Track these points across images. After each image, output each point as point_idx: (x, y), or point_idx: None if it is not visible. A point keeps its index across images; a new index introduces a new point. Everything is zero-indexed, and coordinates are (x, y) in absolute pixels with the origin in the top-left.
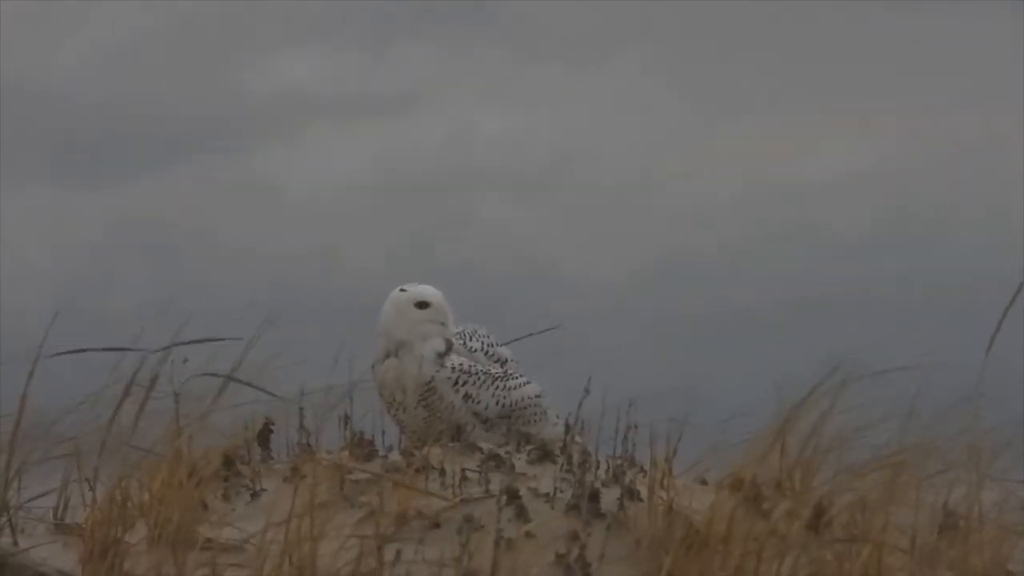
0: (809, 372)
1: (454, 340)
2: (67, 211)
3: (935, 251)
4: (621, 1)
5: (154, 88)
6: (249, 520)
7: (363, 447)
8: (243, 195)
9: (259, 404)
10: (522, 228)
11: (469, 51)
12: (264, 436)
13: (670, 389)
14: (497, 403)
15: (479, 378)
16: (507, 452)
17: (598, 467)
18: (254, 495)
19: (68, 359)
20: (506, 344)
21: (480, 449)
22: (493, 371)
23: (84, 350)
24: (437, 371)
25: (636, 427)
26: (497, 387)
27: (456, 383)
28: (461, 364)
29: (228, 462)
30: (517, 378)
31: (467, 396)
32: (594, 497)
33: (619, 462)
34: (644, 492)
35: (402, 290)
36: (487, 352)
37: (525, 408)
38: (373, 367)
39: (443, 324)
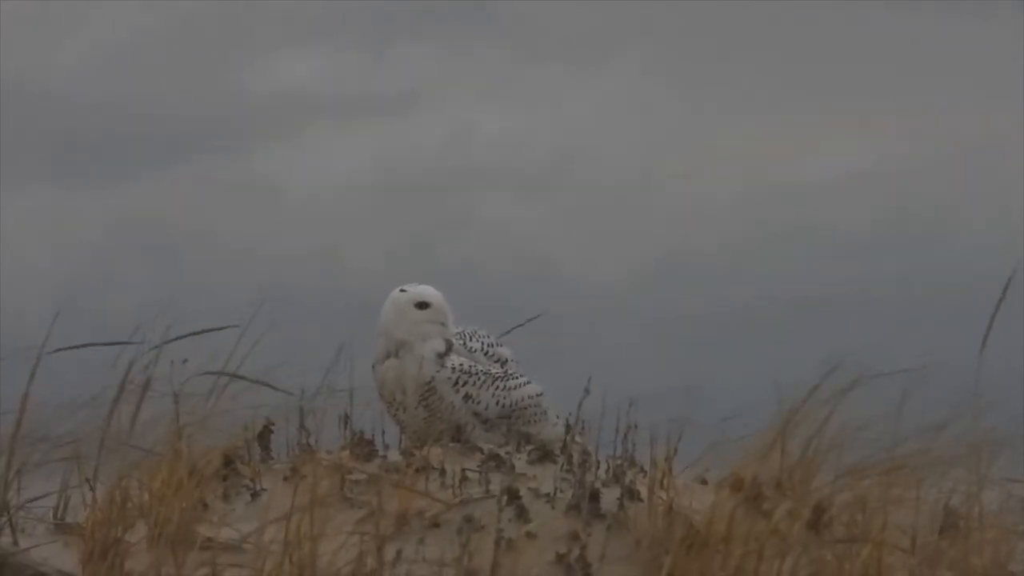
0: (809, 372)
1: (454, 340)
2: (67, 211)
3: (935, 251)
4: (621, 1)
5: (154, 88)
6: (249, 520)
7: (363, 447)
8: (243, 195)
9: (259, 404)
10: (522, 228)
11: (469, 51)
12: (264, 436)
13: (670, 389)
14: (497, 403)
15: (479, 378)
16: (507, 452)
17: (598, 467)
18: (254, 495)
19: (69, 360)
20: (498, 338)
21: (480, 449)
22: (493, 371)
23: (85, 345)
24: (437, 371)
25: (636, 427)
26: (497, 387)
27: (456, 383)
28: (461, 364)
29: (228, 462)
30: (517, 378)
31: (467, 396)
32: (594, 497)
33: (619, 462)
34: (644, 492)
35: (402, 290)
36: (487, 352)
37: (525, 408)
38: (373, 367)
39: (443, 324)
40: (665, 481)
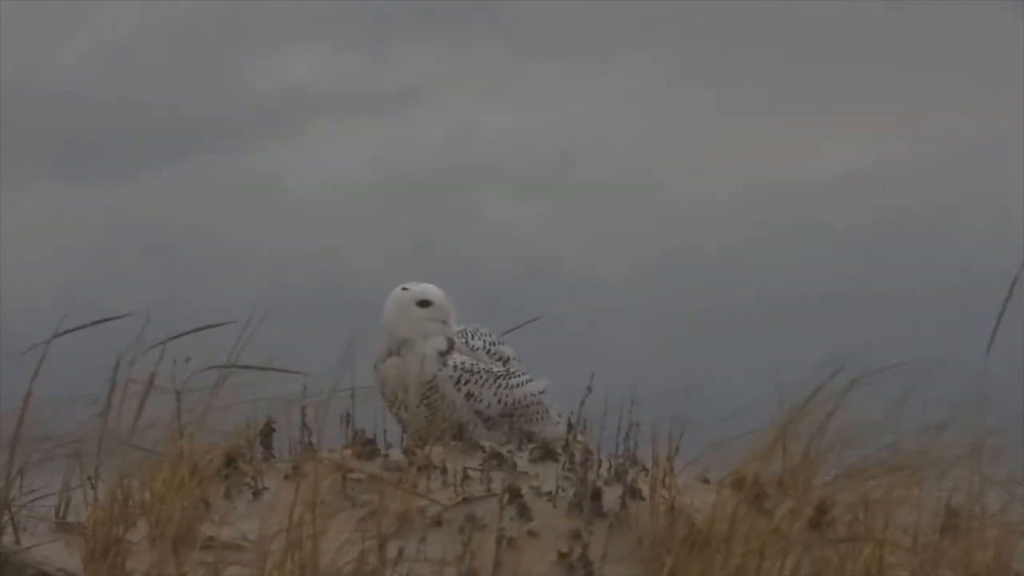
0: (810, 371)
1: (456, 338)
2: (67, 210)
3: (935, 251)
4: (621, 1)
5: (154, 87)
6: (251, 519)
7: (365, 446)
8: (243, 194)
9: (261, 398)
10: (523, 227)
11: (469, 50)
12: (266, 435)
13: (671, 387)
14: (499, 401)
15: (481, 376)
16: (509, 451)
17: (600, 466)
18: (256, 494)
19: (70, 361)
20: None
21: (482, 448)
22: (495, 369)
23: (83, 326)
24: (439, 370)
25: (638, 425)
26: (499, 385)
27: (458, 381)
28: (463, 362)
29: (230, 461)
30: (519, 376)
31: (469, 395)
32: (596, 496)
33: (621, 461)
34: (646, 491)
35: (404, 288)
36: (489, 350)
37: (527, 406)
38: (375, 366)
39: (445, 322)
40: (667, 480)
